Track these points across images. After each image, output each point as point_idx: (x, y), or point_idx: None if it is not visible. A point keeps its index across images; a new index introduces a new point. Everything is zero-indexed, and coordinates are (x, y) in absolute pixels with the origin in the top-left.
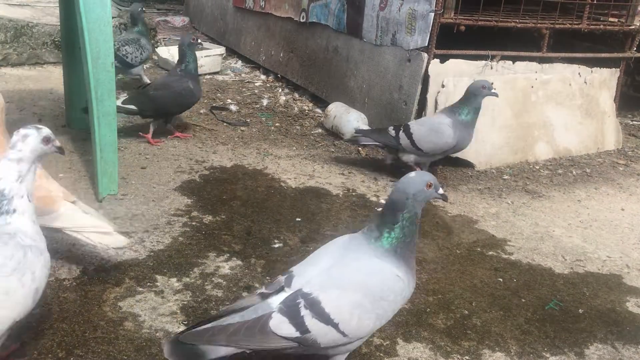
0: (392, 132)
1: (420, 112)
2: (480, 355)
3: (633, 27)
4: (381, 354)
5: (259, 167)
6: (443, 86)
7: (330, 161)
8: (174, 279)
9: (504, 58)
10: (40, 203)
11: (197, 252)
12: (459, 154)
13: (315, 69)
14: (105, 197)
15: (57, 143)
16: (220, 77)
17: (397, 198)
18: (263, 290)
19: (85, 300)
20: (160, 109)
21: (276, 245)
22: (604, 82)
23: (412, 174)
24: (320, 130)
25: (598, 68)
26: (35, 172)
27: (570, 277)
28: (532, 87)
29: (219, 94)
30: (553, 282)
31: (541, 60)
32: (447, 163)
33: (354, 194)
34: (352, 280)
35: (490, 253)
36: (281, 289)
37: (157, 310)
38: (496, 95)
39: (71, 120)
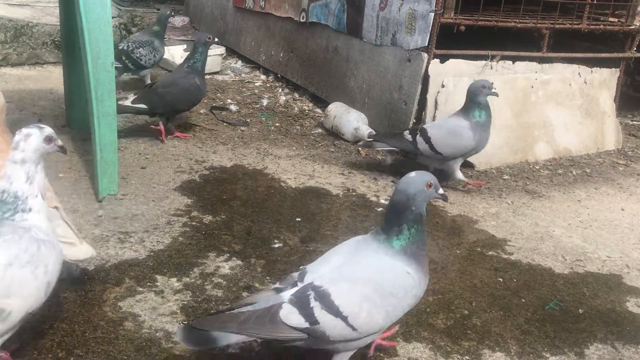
0: (408, 136)
1: (420, 112)
2: (480, 355)
3: (633, 27)
4: (381, 354)
5: (259, 167)
6: (443, 86)
7: (330, 161)
8: (174, 279)
9: (504, 58)
10: None
11: (197, 252)
12: None
13: (315, 69)
14: (105, 197)
15: (60, 142)
16: (220, 77)
17: (398, 199)
18: (277, 285)
19: (85, 300)
20: (169, 106)
21: (276, 245)
22: (604, 82)
23: (412, 174)
24: (320, 130)
25: (598, 68)
26: (43, 170)
27: (570, 277)
28: (532, 87)
29: (219, 94)
30: (553, 282)
31: (541, 60)
32: None
33: (354, 194)
34: (362, 275)
35: (490, 253)
36: (294, 284)
37: (157, 310)
38: (496, 94)
39: (71, 120)
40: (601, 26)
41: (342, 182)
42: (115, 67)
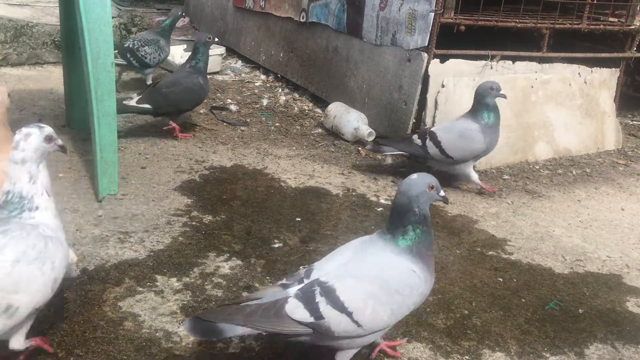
0: (417, 140)
1: (420, 112)
2: (480, 355)
3: (633, 27)
4: (381, 354)
5: (259, 167)
6: (443, 86)
7: (330, 161)
8: (174, 279)
9: (504, 58)
10: None
11: (197, 252)
12: None
13: (315, 69)
14: (105, 197)
15: (60, 142)
16: (220, 77)
17: (400, 201)
18: (284, 281)
19: (85, 300)
20: (173, 106)
21: (276, 245)
22: (603, 82)
23: (414, 175)
24: (320, 130)
25: (598, 68)
26: (46, 168)
27: (570, 277)
28: (532, 87)
29: (218, 94)
30: (553, 282)
31: (541, 60)
32: None
33: (353, 193)
34: (368, 272)
35: (490, 253)
36: (301, 281)
37: (157, 310)
38: (504, 96)
39: (71, 120)
40: (601, 26)
41: (342, 182)
42: (119, 65)
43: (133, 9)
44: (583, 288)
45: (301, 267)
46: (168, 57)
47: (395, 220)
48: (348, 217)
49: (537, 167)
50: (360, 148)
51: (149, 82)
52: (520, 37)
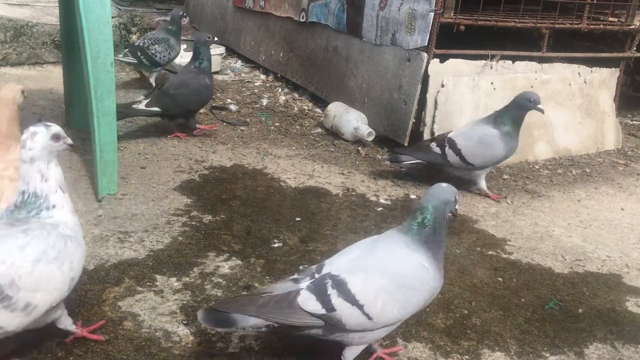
0: (436, 148)
1: (420, 111)
2: (479, 355)
3: (633, 27)
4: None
5: (259, 167)
6: (443, 86)
7: (330, 161)
8: (174, 279)
9: (503, 58)
10: None
11: (196, 252)
12: None
13: (315, 69)
14: (105, 196)
15: (69, 140)
16: (220, 77)
17: (426, 204)
18: (295, 276)
19: (84, 299)
20: (182, 107)
21: (276, 245)
22: (603, 82)
23: (444, 185)
24: (320, 130)
25: (598, 68)
26: (58, 166)
27: (570, 276)
28: (532, 86)
29: (218, 94)
30: (553, 282)
31: (541, 60)
32: None
33: (353, 193)
34: (379, 266)
35: (490, 253)
36: (312, 276)
37: (156, 309)
38: (542, 111)
39: (71, 120)
40: (601, 26)
41: (342, 181)
42: (130, 63)
43: (133, 9)
44: (583, 288)
45: (301, 266)
46: None
47: (417, 215)
48: (348, 217)
49: (537, 167)
50: (360, 148)
51: (153, 82)
52: (520, 37)
